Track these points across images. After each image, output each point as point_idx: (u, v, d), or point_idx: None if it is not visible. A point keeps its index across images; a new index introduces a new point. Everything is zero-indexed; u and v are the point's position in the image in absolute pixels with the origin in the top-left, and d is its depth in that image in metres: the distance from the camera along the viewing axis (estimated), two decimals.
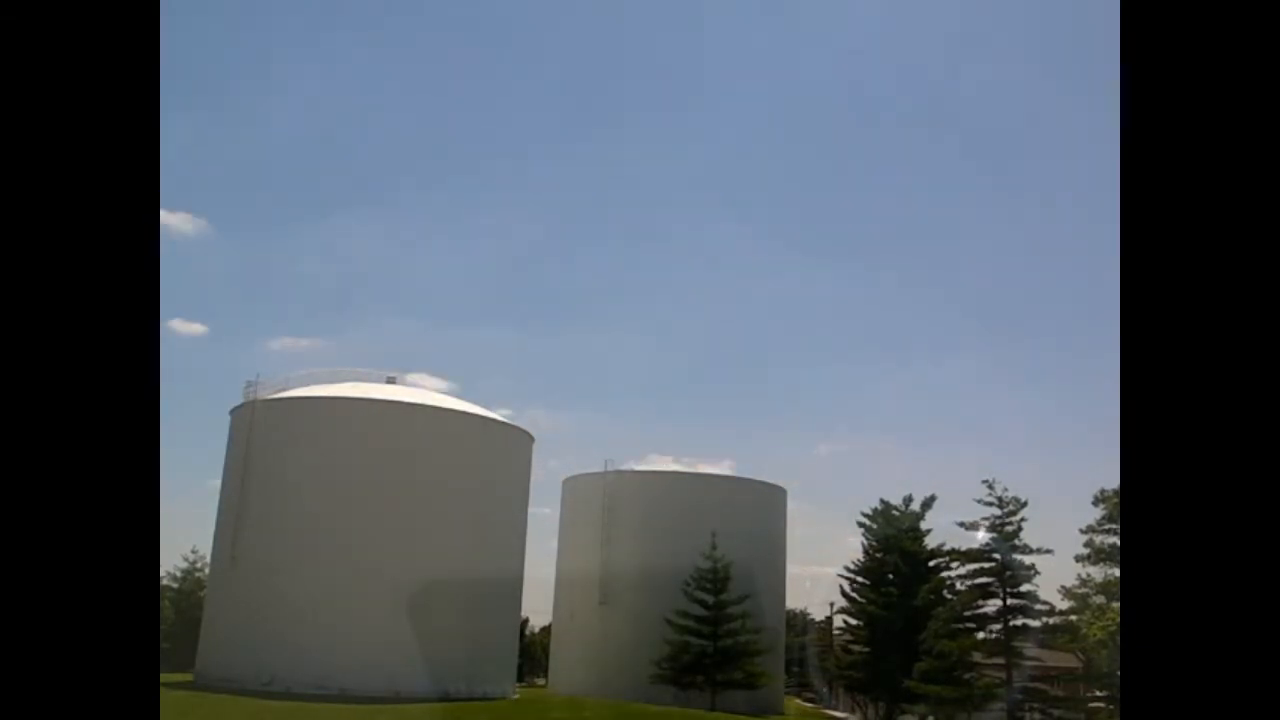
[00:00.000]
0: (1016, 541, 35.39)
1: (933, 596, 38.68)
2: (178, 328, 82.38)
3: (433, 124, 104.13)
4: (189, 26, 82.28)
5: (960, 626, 36.42)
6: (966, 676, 35.37)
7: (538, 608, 58.74)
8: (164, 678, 26.06)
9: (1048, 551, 35.59)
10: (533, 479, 38.41)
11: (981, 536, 36.42)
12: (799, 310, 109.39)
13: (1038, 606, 35.33)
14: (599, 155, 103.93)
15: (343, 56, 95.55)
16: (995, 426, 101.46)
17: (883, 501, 44.36)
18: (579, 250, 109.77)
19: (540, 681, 54.78)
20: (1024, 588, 35.38)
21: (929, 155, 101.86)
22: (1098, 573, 33.81)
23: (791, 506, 47.92)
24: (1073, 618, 34.41)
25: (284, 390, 35.88)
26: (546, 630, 55.51)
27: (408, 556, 32.47)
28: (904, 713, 40.75)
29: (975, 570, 37.09)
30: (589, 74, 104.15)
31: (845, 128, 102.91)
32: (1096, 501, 33.92)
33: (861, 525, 44.45)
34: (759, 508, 45.04)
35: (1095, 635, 31.97)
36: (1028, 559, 35.32)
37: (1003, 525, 35.81)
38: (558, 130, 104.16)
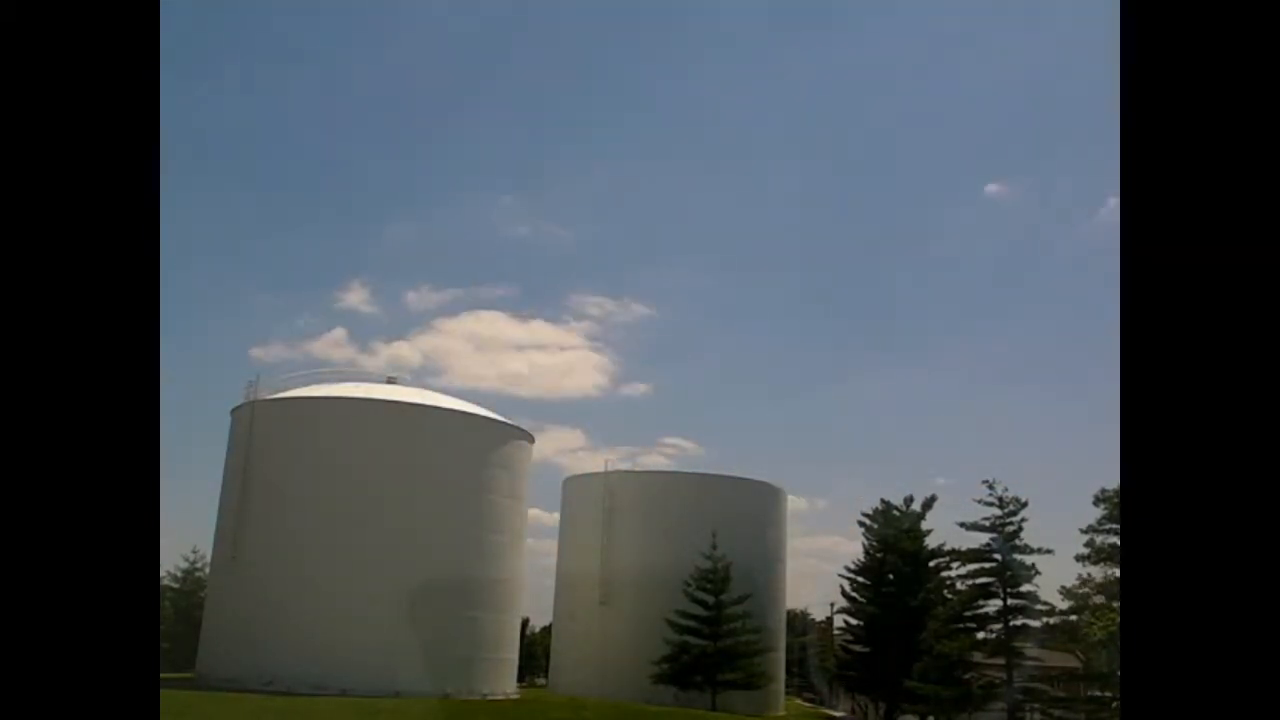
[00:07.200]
0: (1017, 541, 35.42)
1: (932, 596, 38.71)
2: None
3: None
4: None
5: (960, 626, 36.45)
6: (966, 676, 35.40)
7: (538, 608, 58.83)
8: (164, 678, 26.02)
9: (1048, 551, 35.65)
10: None
11: (983, 537, 36.47)
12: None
13: (1038, 606, 35.38)
14: None
15: None
16: (995, 425, 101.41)
17: (883, 501, 44.42)
18: None
19: (540, 681, 54.72)
20: (1024, 588, 35.42)
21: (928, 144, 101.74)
22: (1098, 573, 33.86)
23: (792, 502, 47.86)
24: (1073, 618, 34.42)
25: (284, 390, 35.88)
26: (546, 630, 55.49)
27: (408, 556, 32.43)
28: (904, 712, 40.75)
29: (975, 570, 37.12)
30: None
31: None
32: (1096, 501, 33.94)
33: (862, 525, 44.53)
34: (759, 508, 45.00)
35: (1095, 635, 31.98)
36: (1028, 559, 35.38)
37: (1003, 525, 35.83)
38: None
